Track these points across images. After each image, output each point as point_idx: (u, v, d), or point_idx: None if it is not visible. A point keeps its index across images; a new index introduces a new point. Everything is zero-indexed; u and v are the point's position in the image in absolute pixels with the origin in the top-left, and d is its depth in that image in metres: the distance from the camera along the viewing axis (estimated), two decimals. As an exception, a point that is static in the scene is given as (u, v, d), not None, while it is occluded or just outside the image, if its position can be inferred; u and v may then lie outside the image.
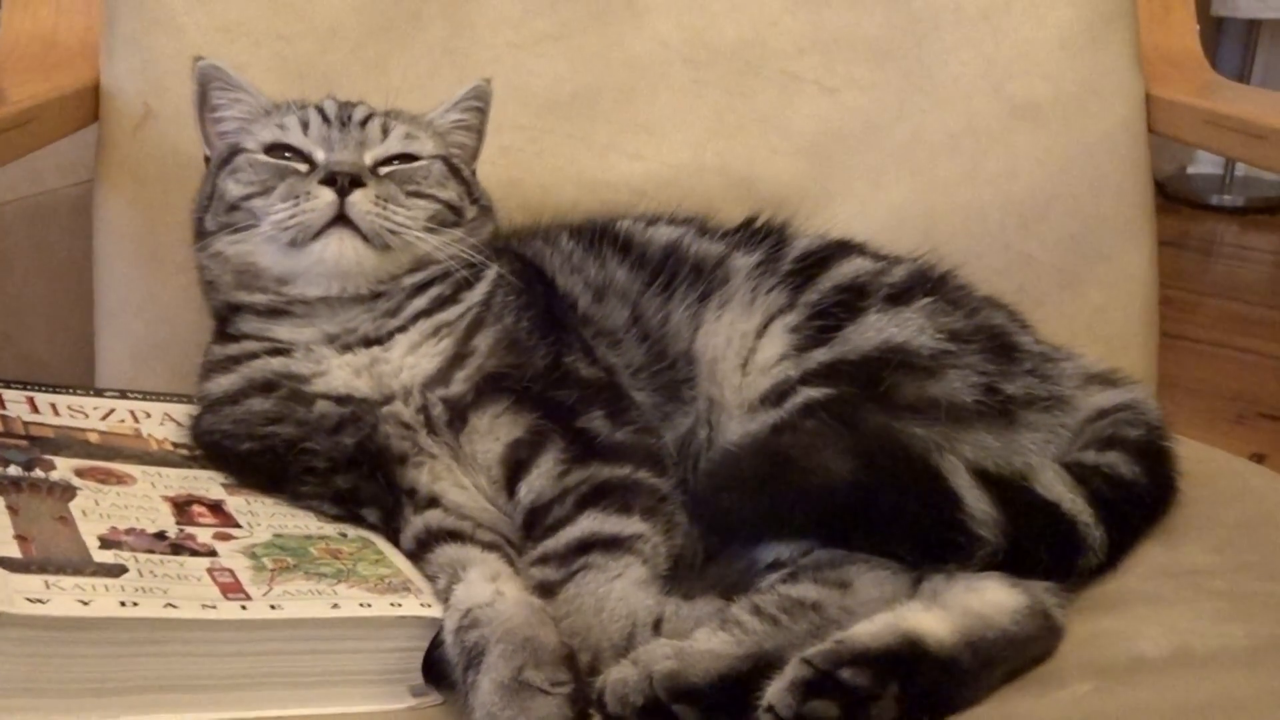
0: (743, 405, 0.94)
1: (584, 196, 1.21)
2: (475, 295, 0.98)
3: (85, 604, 0.69)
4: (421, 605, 0.78)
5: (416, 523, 0.89)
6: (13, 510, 0.78)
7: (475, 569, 0.81)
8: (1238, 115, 1.08)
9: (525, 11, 1.25)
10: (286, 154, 0.98)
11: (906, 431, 0.86)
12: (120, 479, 0.87)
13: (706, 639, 0.76)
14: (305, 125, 0.99)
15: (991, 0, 1.21)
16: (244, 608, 0.73)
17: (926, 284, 0.99)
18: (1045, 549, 0.81)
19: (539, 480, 0.88)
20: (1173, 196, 3.59)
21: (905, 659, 0.73)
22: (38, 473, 0.85)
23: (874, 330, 0.93)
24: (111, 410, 1.00)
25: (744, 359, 0.96)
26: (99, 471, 0.87)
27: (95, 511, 0.81)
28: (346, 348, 0.95)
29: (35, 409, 0.96)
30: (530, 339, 0.95)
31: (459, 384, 0.93)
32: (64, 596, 0.69)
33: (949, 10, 1.22)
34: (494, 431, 0.91)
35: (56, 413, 0.97)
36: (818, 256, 1.01)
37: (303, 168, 0.97)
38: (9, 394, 0.98)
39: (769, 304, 0.98)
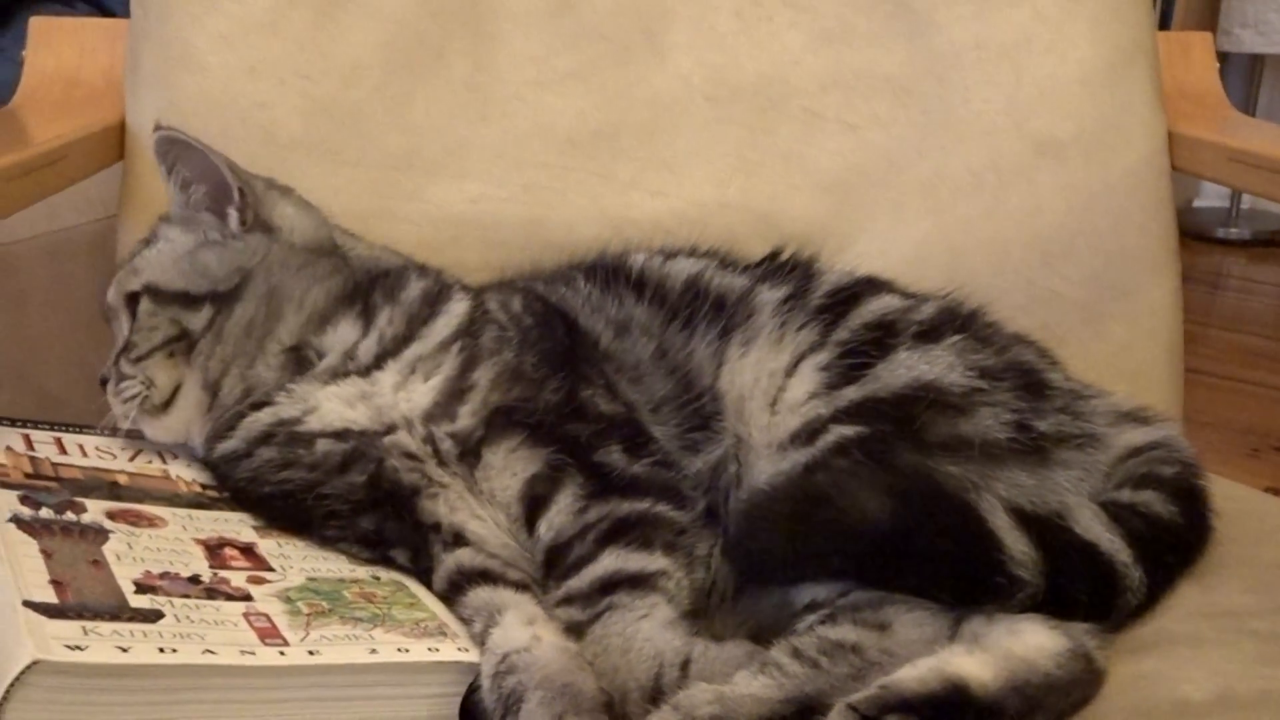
0: (772, 444, 0.94)
1: (606, 233, 1.21)
2: (442, 329, 0.98)
3: (124, 650, 0.68)
4: (458, 650, 0.77)
5: (448, 562, 0.88)
6: (47, 554, 0.77)
7: (511, 612, 0.81)
8: (1263, 152, 1.08)
9: (548, 49, 1.25)
10: None
11: (941, 470, 0.86)
12: (151, 521, 0.87)
13: (747, 683, 0.75)
14: None
15: (1013, 38, 1.21)
16: (282, 653, 0.72)
17: (955, 321, 0.99)
18: (1084, 590, 0.81)
19: (558, 517, 0.88)
20: (1179, 230, 3.59)
21: (951, 704, 0.72)
22: (69, 515, 0.84)
23: (904, 368, 0.93)
24: (139, 451, 0.99)
25: (773, 398, 0.96)
26: (130, 514, 0.87)
27: (128, 555, 0.80)
28: (331, 378, 0.95)
29: (63, 450, 0.96)
30: (538, 373, 0.95)
31: (466, 418, 0.93)
32: (103, 643, 0.68)
33: (970, 48, 1.22)
34: (510, 467, 0.91)
35: (84, 453, 0.96)
36: (847, 293, 1.01)
37: None
38: (37, 434, 0.97)
39: (799, 342, 0.98)
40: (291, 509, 0.91)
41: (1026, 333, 1.05)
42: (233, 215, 1.02)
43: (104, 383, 1.00)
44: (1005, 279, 1.19)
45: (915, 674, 0.73)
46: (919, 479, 0.83)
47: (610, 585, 0.83)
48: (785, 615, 0.86)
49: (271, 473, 0.92)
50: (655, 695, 0.77)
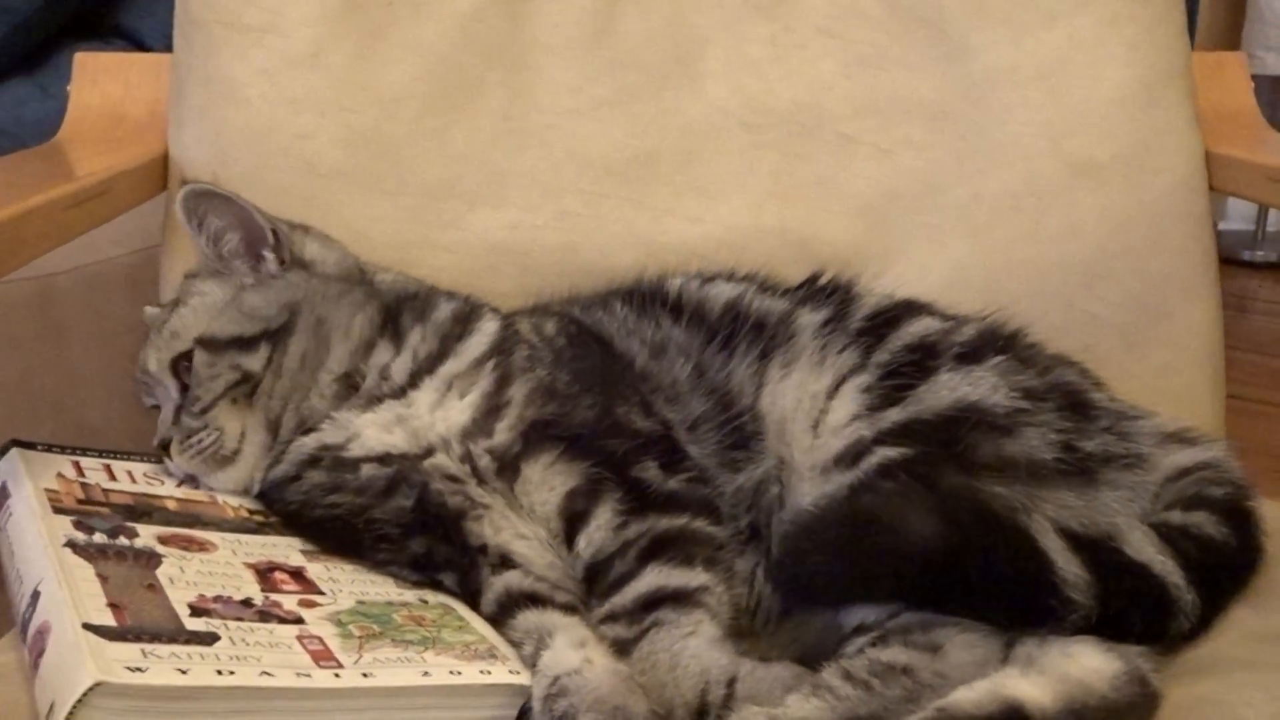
0: (815, 467, 0.94)
1: (643, 259, 1.21)
2: (475, 346, 0.99)
3: (183, 672, 0.69)
4: (510, 672, 0.78)
5: (496, 585, 0.89)
6: (103, 578, 0.78)
7: (560, 635, 0.81)
8: (1304, 172, 1.08)
9: (583, 79, 1.27)
10: None
11: (989, 491, 0.85)
12: (202, 546, 0.87)
13: (800, 705, 0.75)
14: None
15: (1048, 61, 1.22)
16: (337, 675, 0.73)
17: (997, 342, 0.99)
18: (1137, 612, 0.80)
19: (598, 533, 0.88)
20: (1205, 253, 3.57)
21: None
22: (122, 540, 0.85)
23: (947, 389, 0.93)
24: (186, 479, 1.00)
25: (814, 420, 0.96)
26: (181, 539, 0.88)
27: (181, 579, 0.81)
28: (368, 405, 0.96)
29: (113, 476, 0.97)
30: (571, 389, 0.96)
31: (503, 433, 0.93)
32: (162, 665, 0.69)
33: (1005, 72, 1.22)
34: (548, 481, 0.92)
35: (133, 480, 0.97)
36: (887, 316, 1.01)
37: None
38: (86, 461, 0.98)
39: (840, 364, 0.98)
40: (343, 532, 0.91)
41: (1067, 354, 1.05)
42: (269, 257, 1.04)
43: (165, 446, 0.99)
44: (1044, 301, 1.19)
45: (972, 696, 0.73)
46: (969, 501, 0.83)
47: (654, 602, 0.83)
48: (833, 637, 0.86)
49: (321, 496, 0.93)
50: (701, 712, 0.77)
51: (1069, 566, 0.79)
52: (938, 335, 0.99)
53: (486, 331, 1.01)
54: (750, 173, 1.26)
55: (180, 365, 1.00)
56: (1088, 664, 0.76)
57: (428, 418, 0.95)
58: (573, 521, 0.90)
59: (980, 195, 1.23)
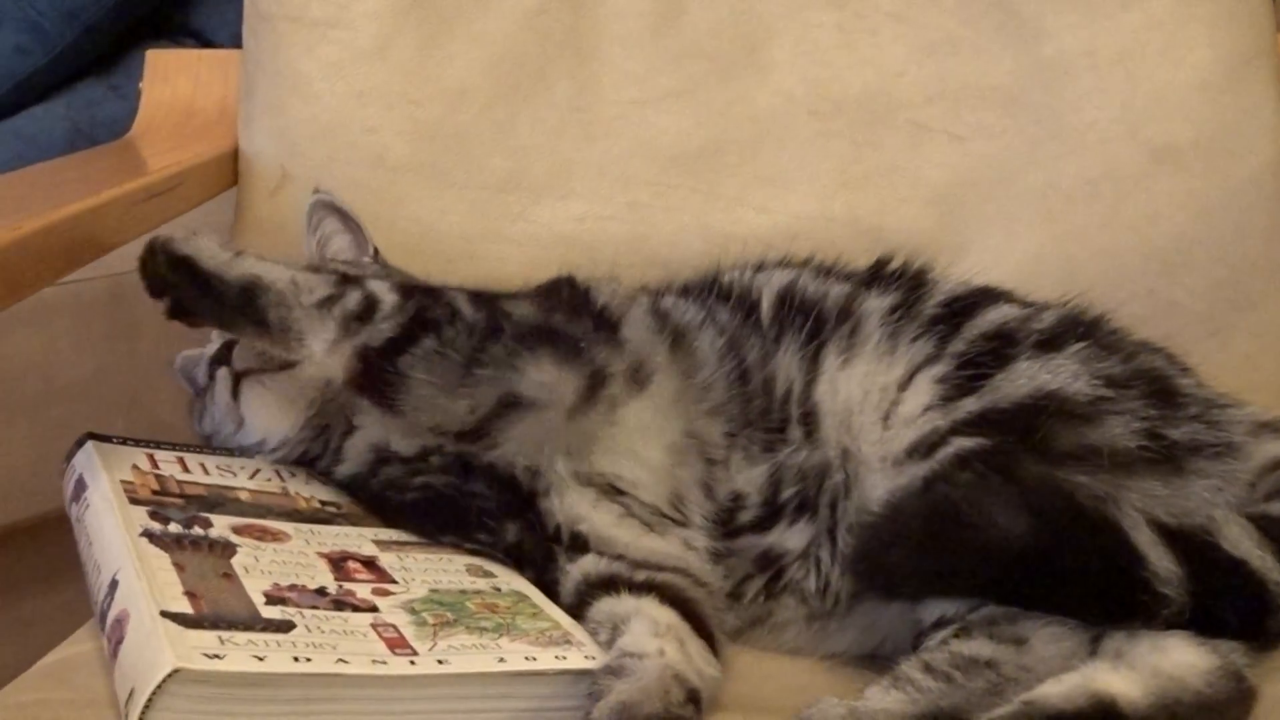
0: (886, 459, 0.92)
1: (711, 250, 1.19)
2: None
3: (260, 659, 0.68)
4: (585, 658, 0.77)
5: (573, 573, 0.89)
6: (179, 567, 0.78)
7: (636, 620, 0.81)
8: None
9: (649, 69, 1.26)
10: None
11: (1072, 481, 0.83)
12: (275, 536, 0.87)
13: (880, 698, 0.73)
14: None
15: (1125, 44, 1.19)
16: (413, 663, 0.72)
17: (1078, 329, 0.96)
18: (1231, 609, 0.77)
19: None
20: None
21: None
22: (197, 530, 0.85)
23: (1025, 378, 0.90)
24: (258, 470, 1.00)
25: (885, 412, 0.94)
26: (254, 529, 0.88)
27: (256, 568, 0.81)
28: None
29: (186, 468, 0.97)
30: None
31: None
32: (239, 652, 0.69)
33: (1081, 55, 1.20)
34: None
35: (206, 472, 0.98)
36: (963, 303, 0.99)
37: None
38: (160, 454, 0.99)
39: (913, 354, 0.95)
40: (444, 511, 0.92)
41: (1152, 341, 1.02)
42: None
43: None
44: (1123, 290, 1.16)
45: (1060, 690, 0.71)
46: (1053, 493, 0.81)
47: None
48: (909, 629, 0.85)
49: (408, 478, 0.93)
50: None
51: (1161, 561, 0.76)
52: (1016, 323, 0.97)
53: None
54: (819, 162, 1.24)
55: None
56: (1181, 659, 0.74)
57: None
58: None
59: (1055, 182, 1.20)
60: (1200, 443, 0.88)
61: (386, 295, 0.91)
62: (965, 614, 0.81)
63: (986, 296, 1.01)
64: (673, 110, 1.25)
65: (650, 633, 0.79)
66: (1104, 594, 0.77)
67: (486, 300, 0.95)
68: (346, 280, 0.92)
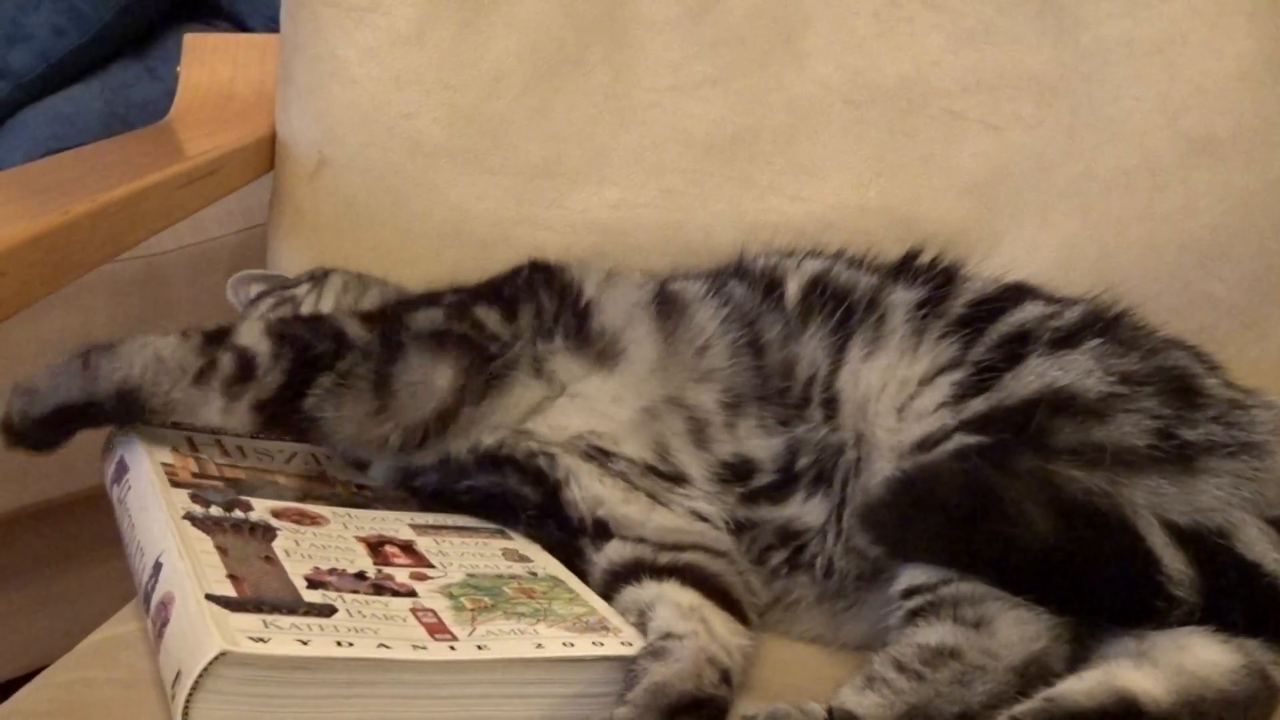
0: (895, 448, 0.92)
1: (744, 238, 1.20)
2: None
3: (304, 643, 0.69)
4: (622, 644, 0.78)
5: (600, 563, 0.90)
6: (222, 550, 0.79)
7: (660, 607, 0.82)
8: None
9: (685, 56, 1.26)
10: None
11: (1064, 475, 0.82)
12: (314, 520, 0.88)
13: (855, 700, 0.73)
14: None
15: (1165, 34, 1.18)
16: (453, 648, 0.73)
17: (1097, 325, 0.95)
18: (1241, 612, 0.77)
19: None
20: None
21: (1120, 719, 0.70)
22: (238, 513, 0.86)
23: (1034, 375, 0.90)
24: (295, 454, 1.01)
25: (901, 404, 0.94)
26: (293, 512, 0.89)
27: (297, 551, 0.82)
28: None
29: (225, 452, 0.98)
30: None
31: None
32: (283, 636, 0.69)
33: (1120, 45, 1.19)
34: None
35: (244, 455, 0.99)
36: (992, 304, 0.98)
37: None
38: (199, 437, 1.00)
39: (938, 355, 0.95)
40: (496, 509, 0.95)
41: (1180, 336, 1.02)
42: None
43: None
44: (1159, 282, 1.16)
45: (1082, 687, 0.71)
46: (1083, 496, 0.80)
47: None
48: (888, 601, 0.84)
49: (454, 481, 0.95)
50: None
51: (1174, 564, 0.76)
52: (1035, 322, 0.96)
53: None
54: (854, 150, 1.24)
55: None
56: (1204, 656, 0.73)
57: None
58: None
59: (1092, 172, 1.19)
60: (1215, 443, 0.86)
61: (260, 345, 0.91)
62: (935, 585, 0.80)
63: (1016, 295, 1.00)
64: (708, 98, 1.25)
65: (676, 617, 0.79)
66: (1118, 597, 0.76)
67: (384, 316, 0.96)
68: (214, 341, 0.91)
